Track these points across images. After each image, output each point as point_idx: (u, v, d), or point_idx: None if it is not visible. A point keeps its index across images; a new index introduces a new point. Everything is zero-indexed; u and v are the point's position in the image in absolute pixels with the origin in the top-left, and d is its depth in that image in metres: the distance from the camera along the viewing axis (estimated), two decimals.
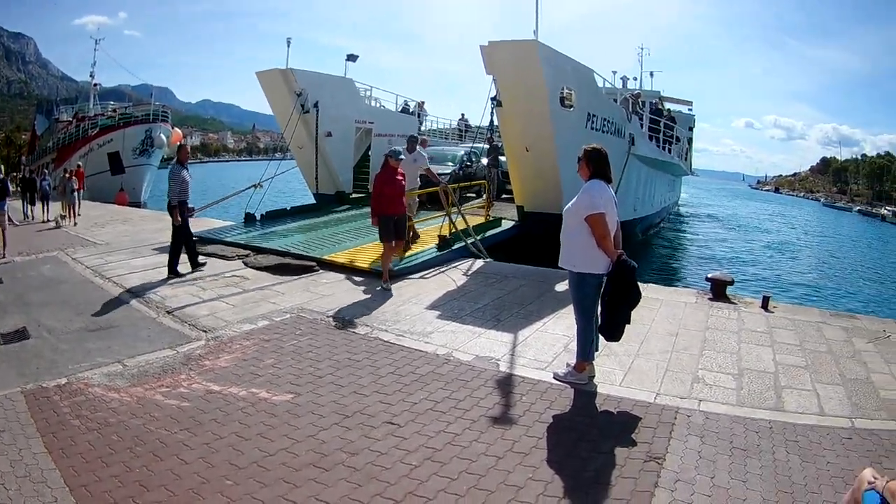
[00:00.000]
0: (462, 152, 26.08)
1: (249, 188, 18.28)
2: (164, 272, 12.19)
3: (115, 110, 39.78)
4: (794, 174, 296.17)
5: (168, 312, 9.76)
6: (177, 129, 41.52)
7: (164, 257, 13.00)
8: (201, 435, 5.76)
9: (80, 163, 25.26)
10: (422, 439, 5.94)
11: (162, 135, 36.42)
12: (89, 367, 7.42)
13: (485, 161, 23.88)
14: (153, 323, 9.32)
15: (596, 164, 7.45)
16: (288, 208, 21.23)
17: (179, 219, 12.25)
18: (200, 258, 12.75)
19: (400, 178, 12.02)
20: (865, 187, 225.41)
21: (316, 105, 22.55)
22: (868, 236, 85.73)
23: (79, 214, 23.09)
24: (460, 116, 38.48)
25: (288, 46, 22.87)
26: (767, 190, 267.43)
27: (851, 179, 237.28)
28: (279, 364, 7.59)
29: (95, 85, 47.14)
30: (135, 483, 4.94)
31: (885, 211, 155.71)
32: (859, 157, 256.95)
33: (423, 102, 35.20)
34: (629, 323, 7.50)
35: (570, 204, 7.51)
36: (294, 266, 12.64)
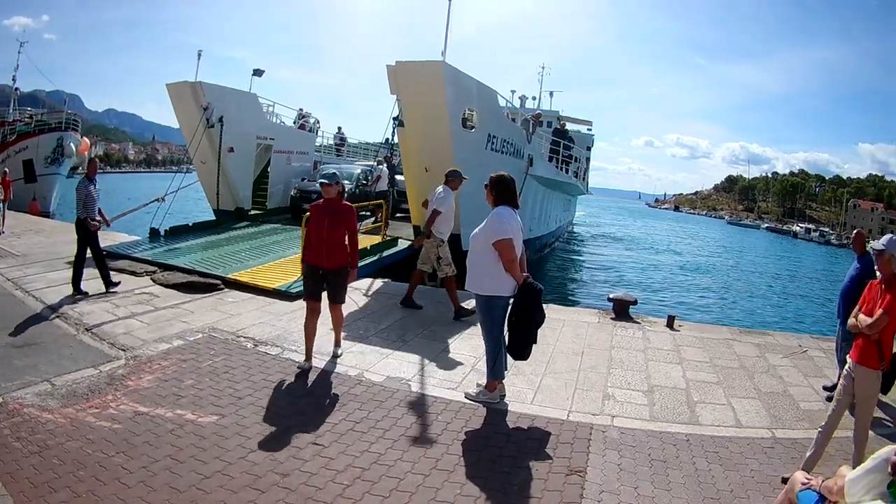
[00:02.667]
0: (359, 170, 26.44)
1: (153, 202, 18.18)
2: (83, 287, 11.95)
3: (31, 116, 38.56)
4: (696, 192, 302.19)
5: (87, 330, 9.61)
6: (85, 138, 40.74)
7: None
8: (137, 458, 5.75)
9: (6, 170, 24.29)
10: (348, 459, 6.07)
11: (72, 144, 35.73)
12: (20, 385, 7.34)
13: (383, 179, 24.73)
14: (74, 340, 9.15)
15: (501, 192, 7.73)
16: (190, 224, 20.90)
17: (98, 223, 12.19)
18: (113, 277, 12.41)
19: (338, 215, 8.95)
20: (775, 204, 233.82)
21: (221, 120, 22.39)
22: (780, 253, 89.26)
23: (2, 231, 20.16)
24: (336, 130, 38.33)
25: (198, 59, 22.77)
26: (666, 208, 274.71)
27: (760, 197, 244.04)
28: (199, 385, 7.61)
29: (16, 90, 46.11)
30: None
31: (797, 228, 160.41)
32: (769, 175, 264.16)
33: (317, 119, 34.96)
34: (536, 343, 7.74)
35: (477, 229, 7.74)
36: (201, 284, 12.65)
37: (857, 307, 6.65)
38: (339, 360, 9.11)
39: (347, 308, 11.44)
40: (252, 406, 7.20)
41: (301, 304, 11.07)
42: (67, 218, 27.95)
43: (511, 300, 7.63)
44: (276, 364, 8.72)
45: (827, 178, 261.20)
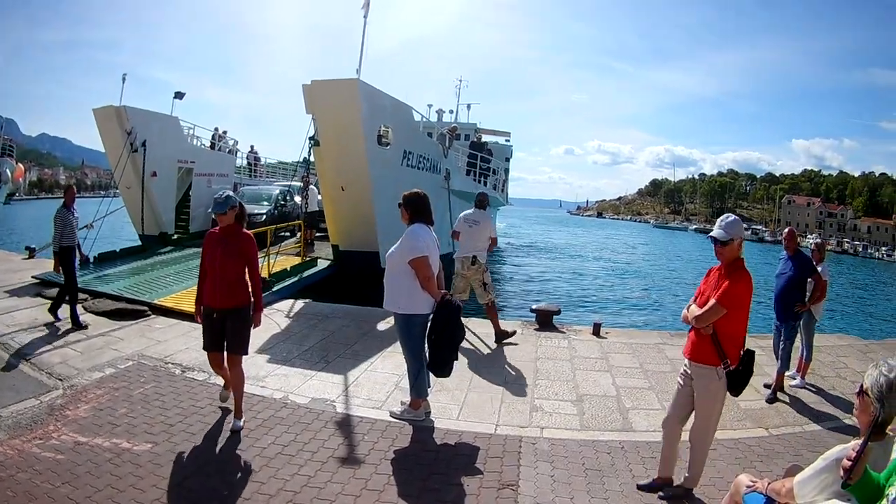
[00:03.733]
0: (277, 191, 26.56)
1: (83, 228, 18.23)
2: (16, 316, 11.98)
3: None
4: (620, 198, 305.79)
5: (26, 360, 9.66)
6: (19, 164, 40.10)
7: (14, 300, 13.05)
8: (81, 488, 5.82)
9: None
10: (279, 483, 6.17)
11: (7, 170, 35.20)
12: None
13: (299, 200, 24.79)
14: (16, 371, 9.21)
15: (415, 209, 7.89)
16: (118, 250, 20.78)
17: (60, 268, 12.03)
18: (82, 320, 12.05)
19: (234, 246, 7.55)
20: (704, 205, 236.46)
21: (144, 144, 22.37)
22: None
23: None
24: (249, 149, 37.81)
25: (123, 83, 22.93)
26: (589, 215, 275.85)
27: (687, 199, 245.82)
28: (132, 413, 7.67)
29: None
30: None
31: None
32: (696, 177, 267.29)
33: (236, 140, 34.81)
34: (457, 359, 7.84)
35: (393, 248, 7.80)
36: (129, 311, 12.70)
37: (693, 298, 6.37)
38: (263, 383, 9.17)
39: (269, 330, 11.80)
40: (183, 433, 7.27)
41: None
42: (5, 244, 27.75)
43: (430, 317, 7.72)
44: (203, 389, 8.78)
45: (759, 175, 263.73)
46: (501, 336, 12.07)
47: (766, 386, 9.82)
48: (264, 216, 24.34)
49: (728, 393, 5.97)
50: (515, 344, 11.87)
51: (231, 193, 7.71)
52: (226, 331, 7.53)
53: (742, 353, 5.86)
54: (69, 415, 7.62)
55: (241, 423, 7.49)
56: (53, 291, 13.72)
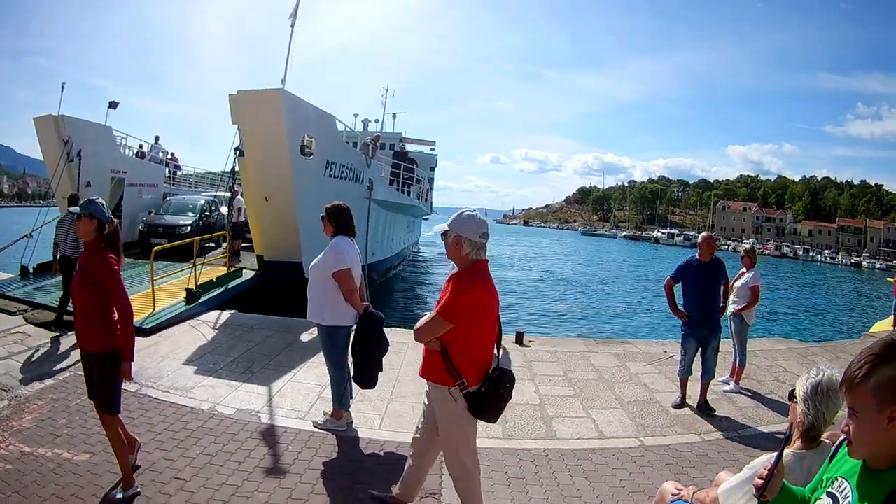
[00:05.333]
0: (203, 201, 26.50)
1: (22, 238, 18.03)
2: None
3: None
4: (547, 206, 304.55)
5: None
6: None
7: None
8: (29, 497, 6.00)
9: None
10: (209, 492, 6.31)
11: None
12: None
13: (225, 210, 24.91)
14: None
15: (338, 221, 7.92)
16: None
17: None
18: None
19: (90, 269, 6.03)
20: (634, 212, 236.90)
21: (79, 153, 22.25)
22: (639, 259, 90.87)
23: None
24: (169, 156, 36.02)
25: (62, 91, 22.62)
26: (515, 223, 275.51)
27: (617, 206, 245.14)
28: (71, 424, 7.77)
29: None
30: None
31: (659, 234, 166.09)
32: (626, 184, 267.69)
33: (168, 152, 34.73)
34: (381, 370, 7.88)
35: (317, 259, 7.90)
36: (66, 322, 12.46)
37: None
38: (191, 394, 9.29)
39: (196, 341, 11.97)
40: None
41: (155, 340, 11.74)
42: None
43: (353, 329, 7.79)
44: (134, 400, 8.79)
45: (692, 182, 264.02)
46: None
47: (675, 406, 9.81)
48: (189, 227, 24.42)
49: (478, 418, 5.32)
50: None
51: (97, 199, 6.36)
52: (95, 380, 6.23)
53: (490, 371, 5.22)
54: (14, 425, 7.75)
55: (125, 494, 6.15)
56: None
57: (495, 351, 5.40)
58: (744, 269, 10.92)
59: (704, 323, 9.68)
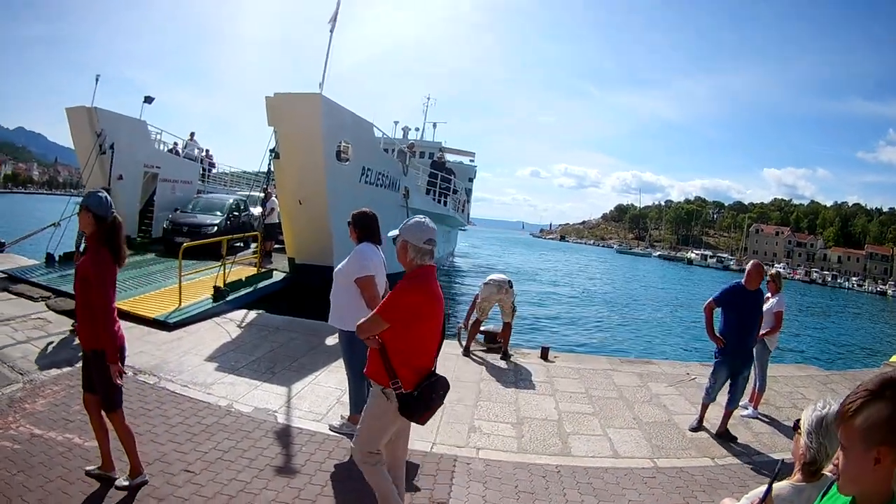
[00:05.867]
0: (231, 200, 26.10)
1: (49, 227, 18.20)
2: None
3: None
4: (584, 222, 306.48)
5: None
6: None
7: None
8: (35, 477, 6.08)
9: None
10: (217, 486, 6.36)
11: None
12: None
13: (255, 211, 24.83)
14: None
15: (363, 229, 7.87)
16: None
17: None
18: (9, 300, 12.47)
19: (81, 266, 6.19)
20: (669, 232, 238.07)
21: (112, 147, 22.41)
22: (672, 280, 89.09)
23: None
24: (204, 153, 35.71)
25: (96, 83, 22.99)
26: (552, 238, 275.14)
27: (652, 225, 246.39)
28: (84, 410, 7.31)
29: None
30: None
31: (693, 255, 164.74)
32: (663, 204, 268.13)
33: (204, 149, 34.71)
34: None
35: (341, 265, 7.88)
36: None
37: None
38: (210, 390, 9.34)
39: (220, 339, 12.06)
40: None
41: (179, 335, 11.75)
42: None
43: None
44: (152, 392, 8.95)
45: (727, 204, 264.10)
46: (507, 354, 12.86)
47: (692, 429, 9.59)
48: (215, 227, 24.09)
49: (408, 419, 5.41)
50: (471, 360, 12.26)
51: (102, 193, 6.28)
52: (93, 373, 6.26)
53: (426, 377, 5.34)
54: (27, 408, 7.85)
55: (136, 481, 6.23)
56: (20, 287, 14.11)
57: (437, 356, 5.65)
58: (769, 294, 10.65)
59: (740, 352, 9.43)
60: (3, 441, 6.87)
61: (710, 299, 9.58)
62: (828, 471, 3.50)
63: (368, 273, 7.63)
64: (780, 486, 3.37)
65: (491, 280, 13.23)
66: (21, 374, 9.13)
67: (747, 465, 8.24)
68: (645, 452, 8.34)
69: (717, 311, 9.60)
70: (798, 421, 3.54)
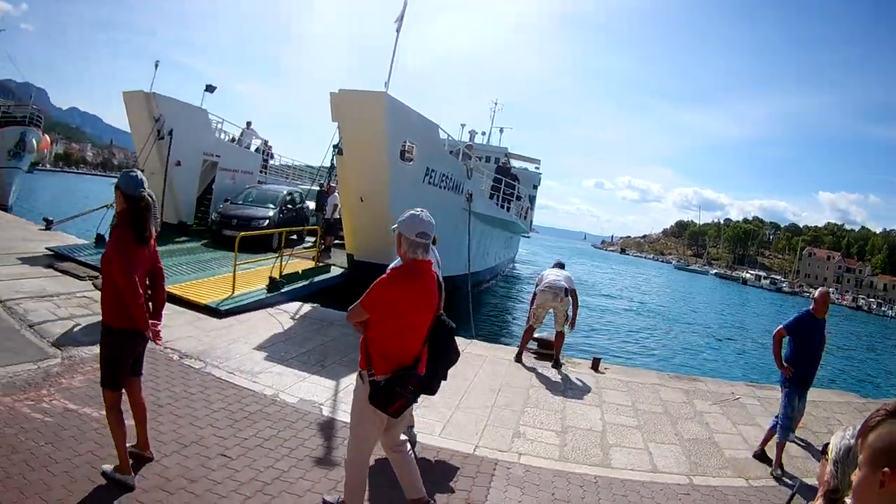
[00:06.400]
0: (285, 192, 25.92)
1: (102, 207, 18.48)
2: (25, 284, 12.18)
3: None
4: (644, 236, 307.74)
5: (30, 326, 9.91)
6: (46, 135, 40.12)
7: (25, 268, 13.31)
8: (63, 450, 6.11)
9: None
10: (252, 473, 6.37)
11: (34, 140, 35.13)
12: None
13: (311, 205, 24.85)
14: (17, 335, 9.47)
15: None
16: None
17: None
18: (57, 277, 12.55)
19: (109, 241, 6.19)
20: (726, 251, 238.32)
21: (170, 133, 22.62)
22: (727, 299, 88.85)
23: None
24: (263, 144, 35.39)
25: (155, 69, 23.39)
26: (612, 250, 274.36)
27: (711, 243, 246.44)
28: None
29: None
30: (14, 489, 5.26)
31: (748, 275, 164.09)
32: (722, 222, 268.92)
33: (265, 141, 34.91)
34: (445, 379, 7.45)
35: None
36: None
37: None
38: (256, 379, 9.36)
39: (271, 329, 12.28)
40: (170, 415, 7.50)
41: (230, 322, 11.81)
42: (24, 213, 28.01)
43: None
44: (197, 377, 9.00)
45: (783, 225, 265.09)
46: (559, 362, 12.77)
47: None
48: (267, 221, 23.52)
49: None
50: (521, 366, 12.17)
51: (135, 172, 6.04)
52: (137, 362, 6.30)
53: (398, 368, 5.30)
54: (63, 383, 7.87)
55: (117, 477, 5.82)
56: (66, 265, 14.19)
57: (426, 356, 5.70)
58: None
59: (808, 381, 9.19)
60: (35, 413, 6.88)
61: (781, 327, 9.31)
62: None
63: None
64: None
65: (547, 287, 12.96)
66: (60, 349, 9.17)
67: (777, 488, 8.14)
68: (682, 469, 8.32)
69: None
70: (826, 445, 3.29)
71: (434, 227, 5.50)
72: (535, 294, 13.22)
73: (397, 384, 5.21)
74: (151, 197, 5.91)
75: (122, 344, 5.84)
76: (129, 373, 6.09)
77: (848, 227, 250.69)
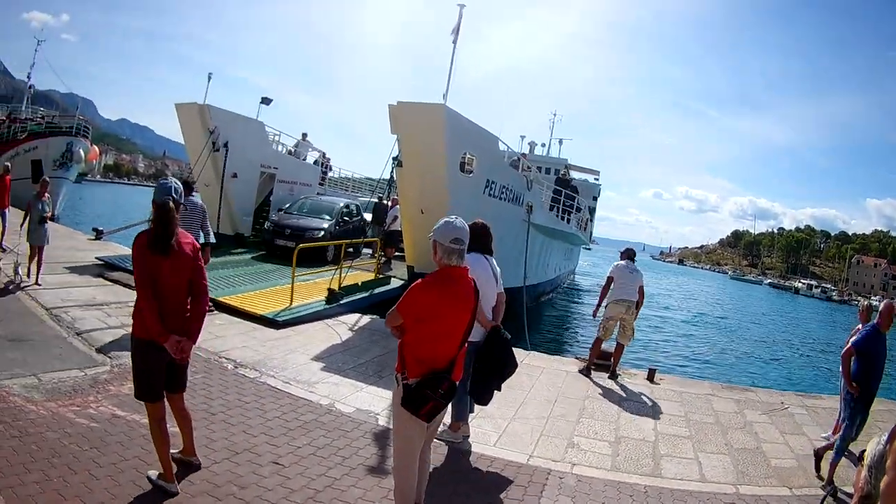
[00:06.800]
0: (342, 204, 25.83)
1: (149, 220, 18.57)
2: (73, 292, 12.30)
3: (42, 117, 37.92)
4: (702, 246, 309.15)
5: (77, 334, 10.00)
6: (94, 146, 40.53)
7: (74, 277, 13.41)
8: (108, 455, 6.09)
9: (7, 164, 21.77)
10: (304, 480, 6.34)
11: (81, 150, 35.48)
12: (8, 376, 7.72)
13: (368, 217, 24.96)
14: (64, 342, 9.54)
15: (472, 239, 7.06)
16: None
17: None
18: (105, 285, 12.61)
19: (191, 253, 5.91)
20: (780, 260, 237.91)
21: (226, 145, 22.77)
22: (778, 309, 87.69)
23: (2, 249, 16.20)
24: (321, 155, 35.76)
25: (208, 81, 23.36)
26: (670, 261, 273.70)
27: (765, 252, 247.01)
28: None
29: (30, 87, 45.90)
30: (53, 491, 5.24)
31: (800, 284, 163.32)
32: (775, 231, 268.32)
33: (323, 153, 35.18)
34: (499, 390, 7.70)
35: None
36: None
37: None
38: (313, 389, 9.32)
39: (329, 340, 12.43)
40: (223, 423, 7.48)
41: (287, 333, 11.90)
42: (72, 223, 28.30)
43: (478, 345, 7.52)
44: (252, 386, 8.99)
45: (833, 234, 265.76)
46: (615, 373, 12.65)
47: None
48: (323, 232, 23.16)
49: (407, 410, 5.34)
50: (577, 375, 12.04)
51: (168, 180, 6.15)
52: (172, 374, 6.06)
53: (429, 372, 5.30)
54: (112, 390, 7.87)
55: (158, 482, 5.78)
56: (116, 275, 14.26)
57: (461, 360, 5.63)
58: (859, 326, 10.00)
59: (872, 399, 8.94)
60: (80, 418, 6.89)
61: (850, 346, 9.02)
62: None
63: None
64: None
65: (619, 299, 12.84)
66: (110, 357, 9.19)
67: (821, 497, 7.77)
68: (730, 478, 8.27)
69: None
70: (864, 452, 3.39)
71: (468, 234, 5.59)
72: (606, 285, 13.16)
73: (427, 387, 5.24)
74: (177, 205, 5.83)
75: (146, 355, 5.68)
76: (166, 387, 5.94)
77: (894, 233, 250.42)
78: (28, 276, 13.14)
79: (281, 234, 22.66)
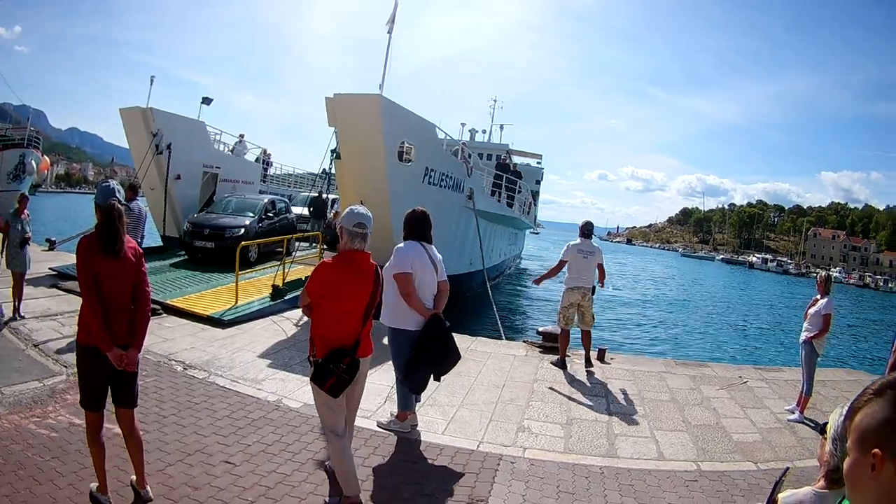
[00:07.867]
0: (265, 201, 25.08)
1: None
2: (29, 304, 12.40)
3: None
4: (650, 225, 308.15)
5: (35, 346, 10.19)
6: (45, 157, 40.07)
7: (29, 289, 13.18)
8: (69, 463, 6.24)
9: None
10: (256, 478, 6.46)
11: (33, 161, 35.10)
12: None
13: (297, 210, 25.33)
14: (22, 354, 9.75)
15: (409, 227, 8.14)
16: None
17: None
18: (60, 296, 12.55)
19: (132, 257, 5.78)
20: (732, 236, 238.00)
21: (169, 147, 22.75)
22: (734, 284, 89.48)
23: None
24: (261, 152, 35.94)
25: (151, 84, 23.40)
26: (618, 241, 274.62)
27: (716, 229, 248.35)
28: None
29: None
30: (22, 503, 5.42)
31: (754, 259, 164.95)
32: (726, 207, 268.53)
33: (264, 150, 35.17)
34: (439, 380, 8.07)
35: (386, 264, 7.83)
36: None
37: None
38: (260, 386, 9.50)
39: (275, 337, 12.59)
40: (175, 425, 7.63)
41: (233, 332, 11.96)
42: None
43: (418, 334, 7.80)
44: (201, 387, 9.16)
45: (787, 207, 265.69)
46: (590, 361, 12.55)
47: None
48: (242, 230, 22.03)
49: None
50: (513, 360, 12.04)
51: (108, 182, 6.05)
52: (116, 386, 5.94)
53: (331, 350, 5.74)
54: (69, 399, 7.98)
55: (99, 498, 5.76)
56: (69, 284, 14.31)
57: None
58: (818, 297, 10.54)
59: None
60: (41, 429, 7.06)
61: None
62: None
63: (404, 270, 7.83)
64: (802, 493, 3.32)
65: (574, 286, 12.73)
66: (65, 366, 9.32)
67: (789, 470, 8.14)
68: (690, 455, 8.32)
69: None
70: (825, 425, 3.37)
71: (372, 221, 6.07)
72: (557, 266, 13.11)
73: (330, 362, 5.70)
74: (122, 207, 5.79)
75: (89, 362, 5.63)
76: (114, 399, 5.89)
77: (851, 205, 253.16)
78: (14, 312, 12.00)
79: (200, 235, 21.74)
